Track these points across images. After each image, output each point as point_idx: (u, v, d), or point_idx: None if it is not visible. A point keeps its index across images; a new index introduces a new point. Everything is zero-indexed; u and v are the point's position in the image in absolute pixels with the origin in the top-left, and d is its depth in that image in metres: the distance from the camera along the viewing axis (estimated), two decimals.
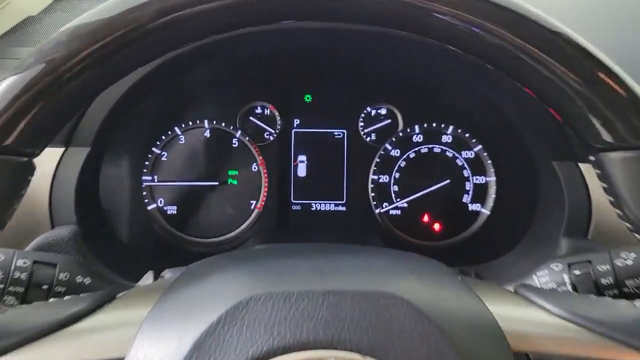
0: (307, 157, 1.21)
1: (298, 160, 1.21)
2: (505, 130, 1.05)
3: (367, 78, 1.18)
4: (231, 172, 1.18)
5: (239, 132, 1.19)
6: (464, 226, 1.19)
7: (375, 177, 1.20)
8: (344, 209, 1.21)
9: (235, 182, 1.18)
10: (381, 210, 1.20)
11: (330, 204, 1.21)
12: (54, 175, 0.86)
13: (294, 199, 1.22)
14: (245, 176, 1.18)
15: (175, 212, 1.17)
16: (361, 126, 1.21)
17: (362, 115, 1.21)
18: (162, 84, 1.01)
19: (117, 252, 0.95)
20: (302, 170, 1.21)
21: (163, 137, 1.17)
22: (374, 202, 1.20)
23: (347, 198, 1.21)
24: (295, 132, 1.22)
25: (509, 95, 0.97)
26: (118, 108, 0.92)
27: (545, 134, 0.92)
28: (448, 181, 1.18)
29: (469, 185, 1.19)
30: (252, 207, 1.19)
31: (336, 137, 1.21)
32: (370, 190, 1.19)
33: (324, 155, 1.20)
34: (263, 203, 1.18)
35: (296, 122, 1.22)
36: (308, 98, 1.22)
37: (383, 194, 1.20)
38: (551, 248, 0.86)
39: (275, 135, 1.20)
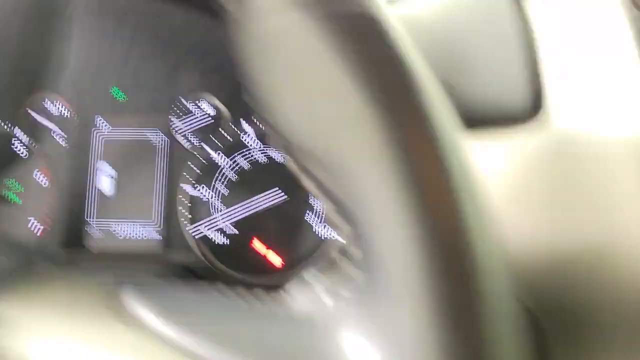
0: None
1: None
2: None
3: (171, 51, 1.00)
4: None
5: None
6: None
7: (189, 188, 0.97)
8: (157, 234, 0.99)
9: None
10: (197, 234, 0.97)
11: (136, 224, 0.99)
12: None
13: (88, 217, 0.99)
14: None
15: None
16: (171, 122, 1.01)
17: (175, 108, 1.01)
18: None
19: None
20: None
21: None
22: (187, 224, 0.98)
23: (160, 217, 0.98)
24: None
25: None
26: None
27: None
28: (282, 195, 0.96)
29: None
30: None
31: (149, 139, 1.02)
32: (179, 206, 0.97)
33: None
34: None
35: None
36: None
37: (200, 212, 0.98)
38: None
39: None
